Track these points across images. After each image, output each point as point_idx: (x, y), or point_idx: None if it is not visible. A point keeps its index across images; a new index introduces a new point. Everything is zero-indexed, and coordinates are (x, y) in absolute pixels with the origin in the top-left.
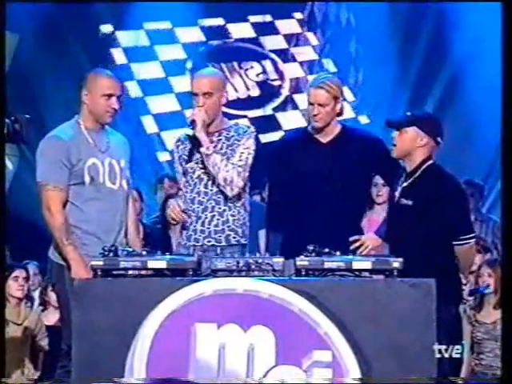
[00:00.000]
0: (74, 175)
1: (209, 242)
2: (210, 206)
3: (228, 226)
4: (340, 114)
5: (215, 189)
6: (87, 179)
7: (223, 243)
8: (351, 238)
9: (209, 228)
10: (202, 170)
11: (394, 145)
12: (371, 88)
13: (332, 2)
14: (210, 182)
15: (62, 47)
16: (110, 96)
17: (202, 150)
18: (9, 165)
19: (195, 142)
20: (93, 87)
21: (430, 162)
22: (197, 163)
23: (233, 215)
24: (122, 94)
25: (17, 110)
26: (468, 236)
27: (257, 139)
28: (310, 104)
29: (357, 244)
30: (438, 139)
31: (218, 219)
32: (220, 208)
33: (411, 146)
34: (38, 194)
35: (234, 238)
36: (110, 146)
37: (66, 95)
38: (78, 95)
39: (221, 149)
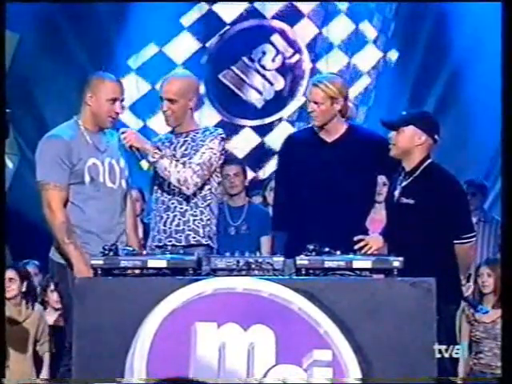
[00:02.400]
0: (75, 175)
1: (170, 241)
2: (173, 206)
3: (188, 226)
4: (343, 114)
5: (177, 189)
6: (87, 179)
7: (183, 243)
8: (355, 238)
9: (170, 228)
10: None
11: (393, 144)
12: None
13: None
14: (171, 183)
15: (62, 47)
16: (114, 100)
17: (149, 159)
18: (9, 164)
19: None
20: (98, 90)
21: (429, 160)
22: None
23: (194, 215)
24: (124, 97)
25: (17, 110)
26: (469, 235)
27: (223, 140)
28: (308, 101)
29: (361, 244)
30: (436, 137)
31: (179, 219)
32: (182, 208)
33: (410, 144)
34: (39, 193)
35: (194, 238)
36: (109, 145)
37: (66, 95)
38: (78, 95)
39: (185, 150)
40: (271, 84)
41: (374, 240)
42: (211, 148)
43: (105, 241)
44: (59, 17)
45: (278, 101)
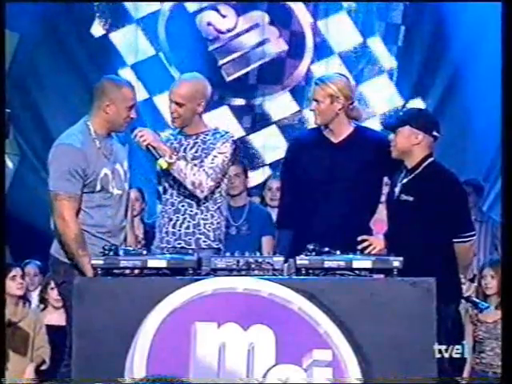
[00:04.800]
0: (87, 185)
1: (179, 244)
2: (183, 208)
3: (199, 230)
4: (349, 115)
5: (188, 191)
6: (98, 188)
7: (193, 246)
8: (359, 238)
9: (179, 230)
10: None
11: (393, 146)
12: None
13: None
14: (182, 185)
15: (62, 46)
16: (132, 107)
17: (166, 159)
18: (9, 164)
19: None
20: (116, 99)
21: (431, 159)
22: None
23: (205, 219)
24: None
25: (17, 110)
26: (468, 234)
27: (234, 144)
28: (312, 100)
29: (364, 244)
30: (434, 133)
31: (189, 222)
32: (192, 211)
33: (407, 144)
34: (50, 202)
35: (205, 241)
36: (113, 149)
37: (66, 94)
38: (78, 95)
39: (196, 152)
40: (259, 26)
41: (378, 240)
42: (223, 152)
43: (112, 244)
44: (59, 16)
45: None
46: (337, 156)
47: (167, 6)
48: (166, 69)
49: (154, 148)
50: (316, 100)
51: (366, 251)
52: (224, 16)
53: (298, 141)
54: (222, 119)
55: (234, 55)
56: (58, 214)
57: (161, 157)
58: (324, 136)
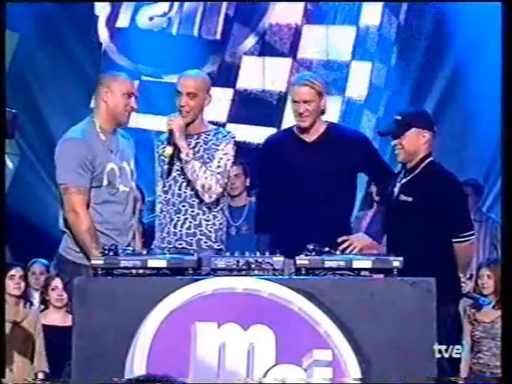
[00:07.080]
0: (95, 178)
1: (180, 244)
2: (184, 208)
3: (200, 230)
4: (323, 112)
5: (189, 191)
6: (105, 183)
7: (194, 247)
8: (339, 239)
9: (181, 231)
10: (178, 172)
11: (400, 149)
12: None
13: None
14: (184, 185)
15: (62, 46)
16: (129, 95)
17: (182, 156)
18: (9, 164)
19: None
20: (114, 86)
21: (430, 158)
22: (172, 165)
23: (207, 220)
24: (138, 95)
25: (16, 109)
26: (467, 233)
27: (235, 144)
28: (295, 102)
29: (345, 245)
30: (435, 128)
31: (190, 222)
32: (193, 211)
33: (416, 146)
34: (60, 196)
35: (206, 242)
36: (119, 146)
37: (66, 94)
38: (77, 94)
39: (198, 152)
40: None
41: (359, 239)
42: (227, 153)
43: (119, 243)
44: (59, 16)
45: None
46: (311, 155)
47: (105, 41)
48: (163, 83)
49: (173, 136)
50: (305, 101)
51: (347, 251)
52: (154, 1)
53: (271, 143)
54: (260, 66)
55: (197, 17)
56: (69, 207)
57: (170, 144)
58: (297, 136)
